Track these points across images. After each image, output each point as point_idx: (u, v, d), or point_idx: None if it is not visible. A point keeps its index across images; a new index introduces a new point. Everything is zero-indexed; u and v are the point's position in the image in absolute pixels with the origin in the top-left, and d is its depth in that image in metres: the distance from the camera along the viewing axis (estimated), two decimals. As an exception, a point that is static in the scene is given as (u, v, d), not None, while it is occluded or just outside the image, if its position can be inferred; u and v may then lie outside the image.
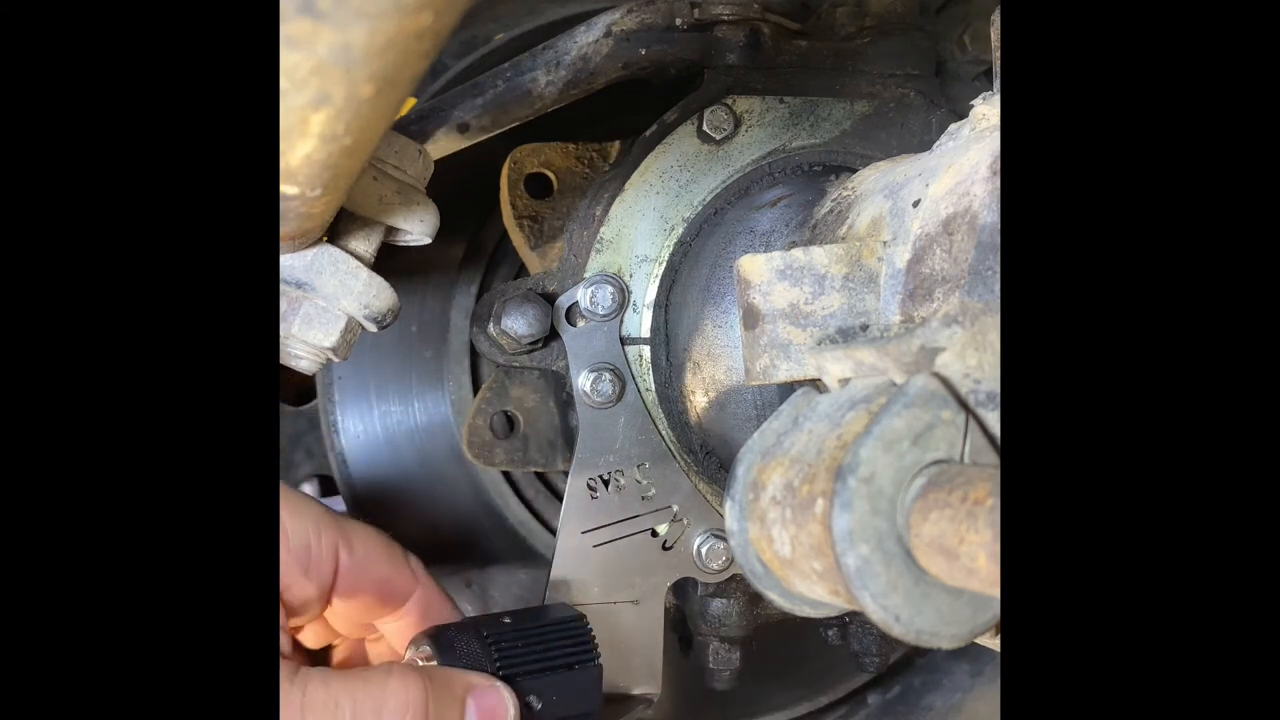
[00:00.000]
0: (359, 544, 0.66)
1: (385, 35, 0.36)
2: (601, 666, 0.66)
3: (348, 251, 0.62)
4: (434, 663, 0.64)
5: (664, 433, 0.75)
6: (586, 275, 0.74)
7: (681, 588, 0.78)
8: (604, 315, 0.74)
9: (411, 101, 0.79)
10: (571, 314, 0.74)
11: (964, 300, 0.47)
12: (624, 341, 0.74)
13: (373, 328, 0.64)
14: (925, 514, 0.39)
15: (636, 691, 0.74)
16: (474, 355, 0.92)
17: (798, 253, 0.54)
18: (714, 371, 0.70)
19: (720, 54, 0.76)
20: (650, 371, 0.75)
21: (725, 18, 0.75)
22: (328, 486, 1.00)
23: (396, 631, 0.69)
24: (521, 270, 0.88)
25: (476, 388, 0.91)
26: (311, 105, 0.39)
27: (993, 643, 0.44)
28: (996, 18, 0.51)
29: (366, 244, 0.63)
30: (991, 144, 0.49)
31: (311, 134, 0.41)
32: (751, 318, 0.55)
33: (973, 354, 0.43)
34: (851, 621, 0.84)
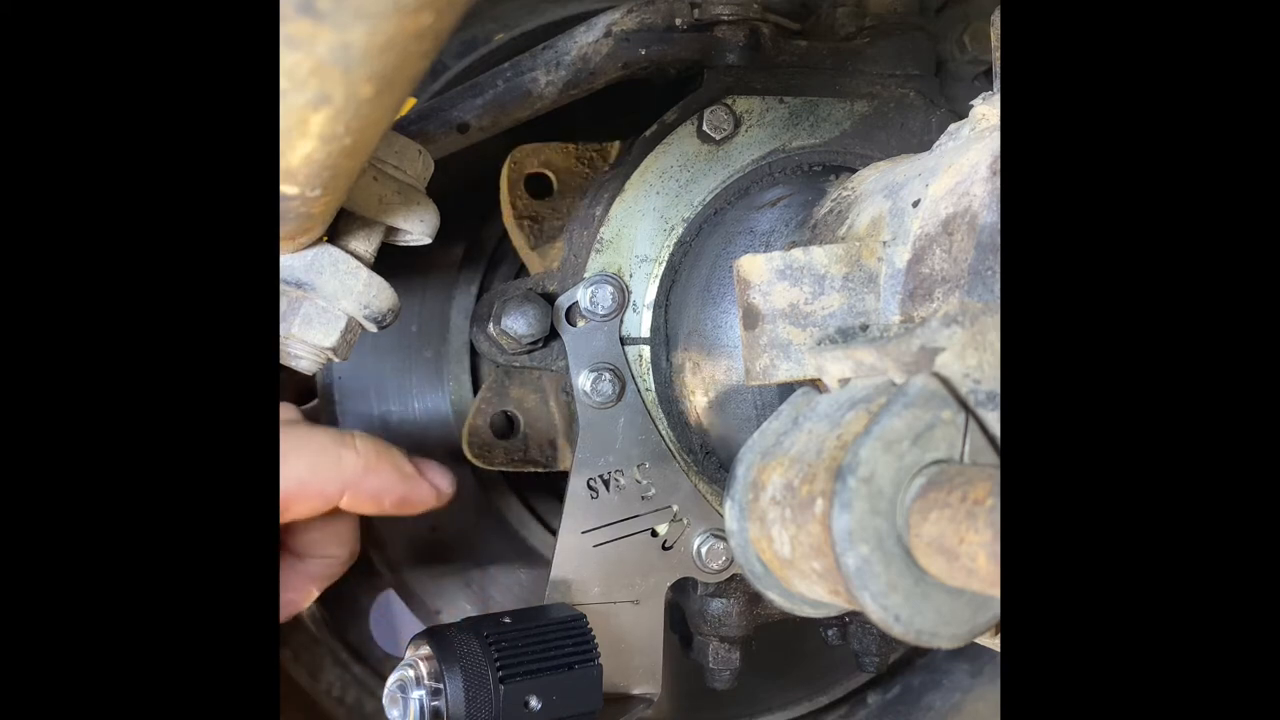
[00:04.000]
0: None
1: (385, 35, 0.36)
2: (601, 666, 0.66)
3: (348, 251, 0.62)
4: (433, 661, 0.64)
5: (664, 433, 0.75)
6: (586, 275, 0.74)
7: (681, 588, 0.78)
8: (604, 315, 0.74)
9: (411, 101, 0.79)
10: (571, 314, 0.74)
11: (964, 300, 0.47)
12: (624, 341, 0.74)
13: (373, 328, 0.64)
14: (925, 514, 0.39)
15: (636, 691, 0.74)
16: (474, 355, 0.92)
17: (798, 253, 0.54)
18: (714, 371, 0.70)
19: (720, 54, 0.76)
20: (650, 371, 0.75)
21: (725, 18, 0.75)
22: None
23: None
24: (521, 270, 0.88)
25: (476, 388, 0.91)
26: (311, 105, 0.39)
27: (993, 643, 0.44)
28: (996, 18, 0.51)
29: (366, 244, 0.63)
30: (991, 144, 0.49)
31: (311, 134, 0.41)
32: (751, 318, 0.55)
33: (973, 354, 0.43)
34: (851, 621, 0.84)
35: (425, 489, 0.72)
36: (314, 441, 0.68)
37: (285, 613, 0.74)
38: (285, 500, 0.65)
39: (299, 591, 0.74)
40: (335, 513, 0.71)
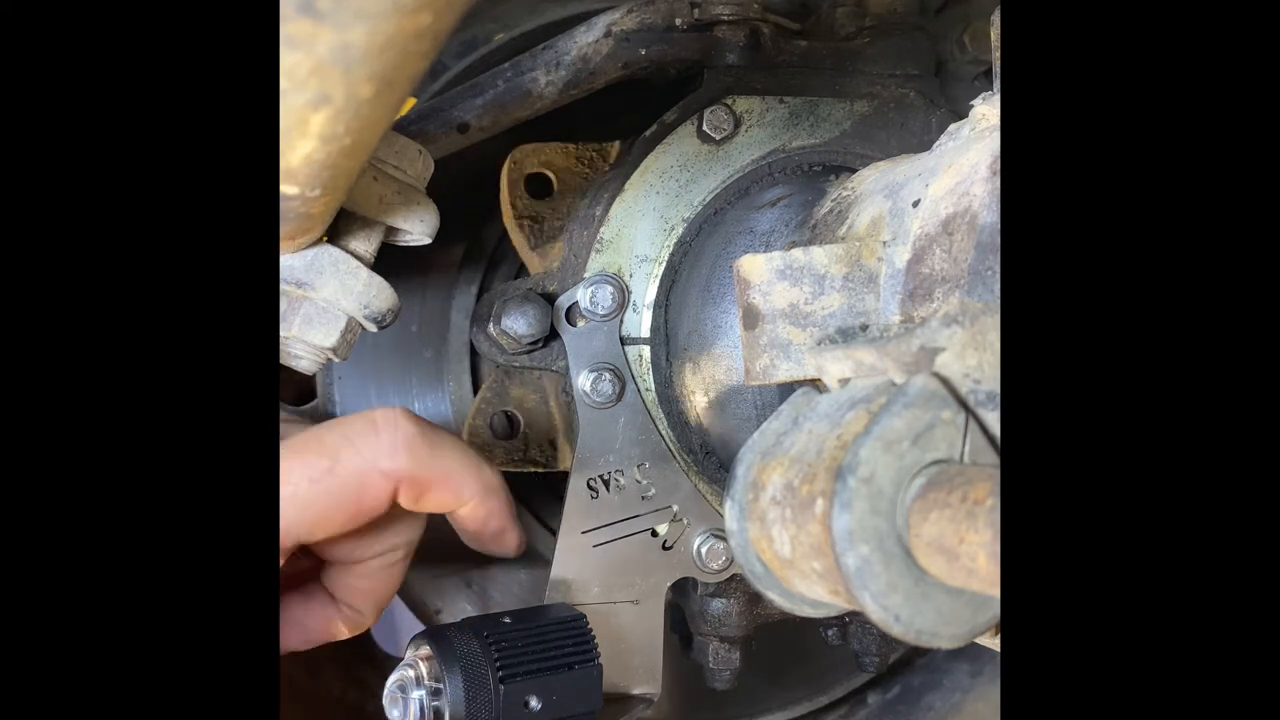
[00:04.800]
0: None
1: (384, 35, 0.36)
2: (601, 666, 0.66)
3: (348, 251, 0.62)
4: (433, 662, 0.64)
5: (664, 433, 0.75)
6: (586, 275, 0.74)
7: (681, 588, 0.78)
8: (604, 315, 0.74)
9: (411, 101, 0.79)
10: (571, 314, 0.74)
11: (964, 300, 0.47)
12: (624, 341, 0.74)
13: (373, 328, 0.64)
14: (925, 514, 0.39)
15: (636, 691, 0.74)
16: (474, 355, 0.92)
17: (798, 253, 0.54)
18: (714, 371, 0.70)
19: (720, 54, 0.76)
20: (650, 371, 0.75)
21: (725, 18, 0.75)
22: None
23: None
24: (521, 270, 0.88)
25: (476, 388, 0.91)
26: (311, 105, 0.39)
27: (993, 643, 0.44)
28: (996, 18, 0.51)
29: (366, 244, 0.63)
30: (991, 144, 0.49)
31: (311, 134, 0.41)
32: (751, 318, 0.55)
33: (973, 354, 0.43)
34: (851, 621, 0.84)
35: (516, 535, 0.74)
36: (463, 448, 0.69)
37: (309, 639, 0.73)
38: (429, 483, 0.65)
39: (326, 625, 0.73)
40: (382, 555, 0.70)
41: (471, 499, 0.69)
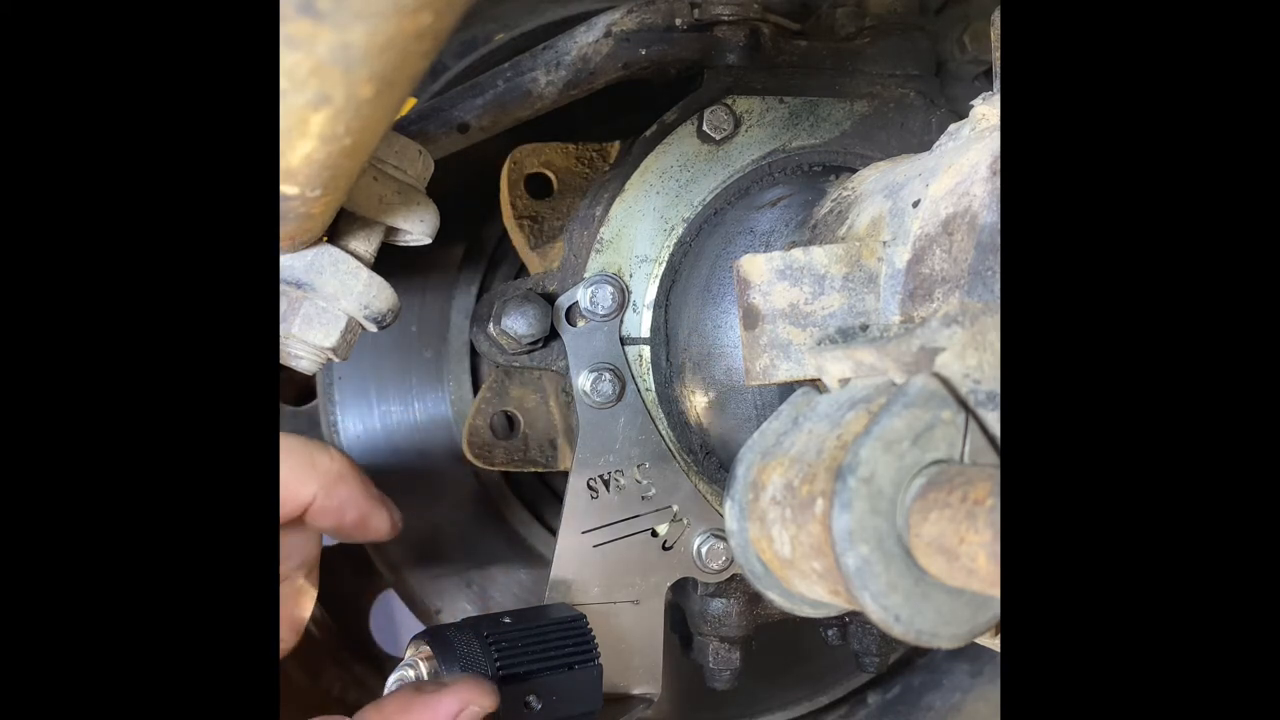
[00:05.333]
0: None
1: (385, 35, 0.36)
2: (601, 666, 0.66)
3: (348, 251, 0.62)
4: (433, 661, 0.64)
5: (664, 433, 0.75)
6: (586, 275, 0.74)
7: (681, 588, 0.78)
8: (604, 315, 0.74)
9: (412, 101, 0.79)
10: (571, 314, 0.74)
11: (964, 300, 0.47)
12: (624, 341, 0.74)
13: (373, 328, 0.64)
14: (925, 514, 0.39)
15: (636, 691, 0.74)
16: (474, 355, 0.92)
17: (798, 253, 0.54)
18: (714, 371, 0.70)
19: (720, 54, 0.76)
20: (650, 371, 0.75)
21: (725, 18, 0.75)
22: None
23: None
24: (521, 270, 0.88)
25: (476, 388, 0.92)
26: (311, 105, 0.39)
27: (993, 643, 0.44)
28: (996, 18, 0.51)
29: (366, 244, 0.63)
30: (991, 144, 0.49)
31: (311, 134, 0.41)
32: (751, 318, 0.55)
33: (973, 354, 0.43)
34: (851, 621, 0.84)
35: (383, 516, 0.69)
36: (288, 442, 0.64)
37: None
38: None
39: None
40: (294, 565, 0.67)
41: (314, 495, 0.63)
